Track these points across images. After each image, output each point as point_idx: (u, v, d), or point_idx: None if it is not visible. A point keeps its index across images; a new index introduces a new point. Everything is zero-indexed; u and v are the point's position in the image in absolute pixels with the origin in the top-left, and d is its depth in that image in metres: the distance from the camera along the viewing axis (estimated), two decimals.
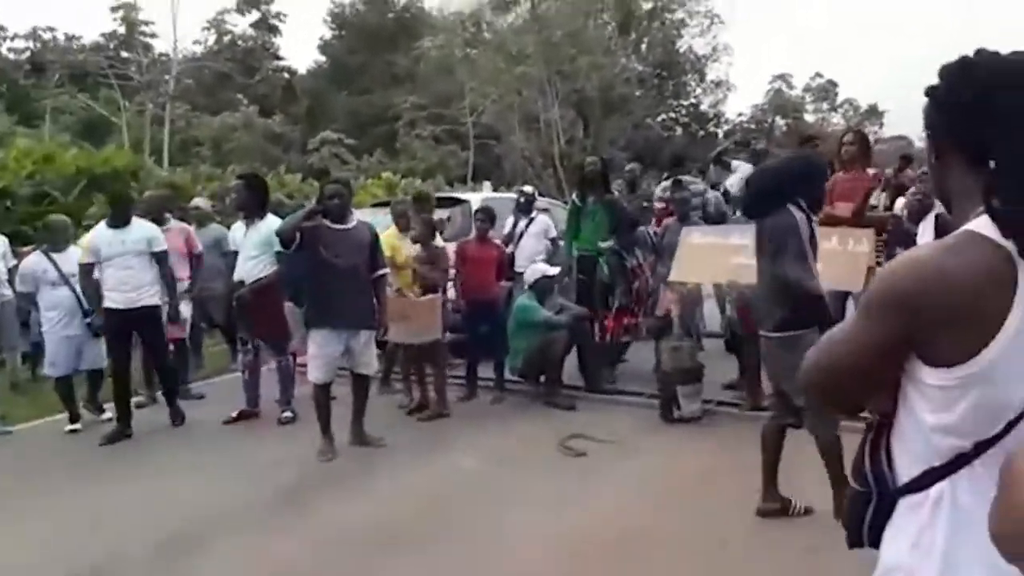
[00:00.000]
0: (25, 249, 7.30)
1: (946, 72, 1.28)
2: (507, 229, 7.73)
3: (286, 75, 37.14)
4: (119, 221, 5.77)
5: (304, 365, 6.16)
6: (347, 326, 5.25)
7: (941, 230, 4.96)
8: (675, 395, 5.65)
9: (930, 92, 1.31)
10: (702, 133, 34.82)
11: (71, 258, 5.94)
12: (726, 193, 8.14)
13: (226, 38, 35.26)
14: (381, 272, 5.54)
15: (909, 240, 5.33)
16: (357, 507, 4.35)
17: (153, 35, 28.47)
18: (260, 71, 33.66)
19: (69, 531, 4.17)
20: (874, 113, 41.26)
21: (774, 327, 3.76)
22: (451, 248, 6.67)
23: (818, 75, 41.59)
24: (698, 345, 6.55)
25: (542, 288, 6.42)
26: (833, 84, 41.60)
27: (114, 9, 25.94)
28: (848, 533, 1.40)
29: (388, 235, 6.48)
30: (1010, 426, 1.16)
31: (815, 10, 66.11)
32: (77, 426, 6.00)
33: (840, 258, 5.23)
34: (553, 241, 7.67)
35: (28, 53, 29.63)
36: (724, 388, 6.25)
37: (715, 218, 6.89)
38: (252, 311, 5.94)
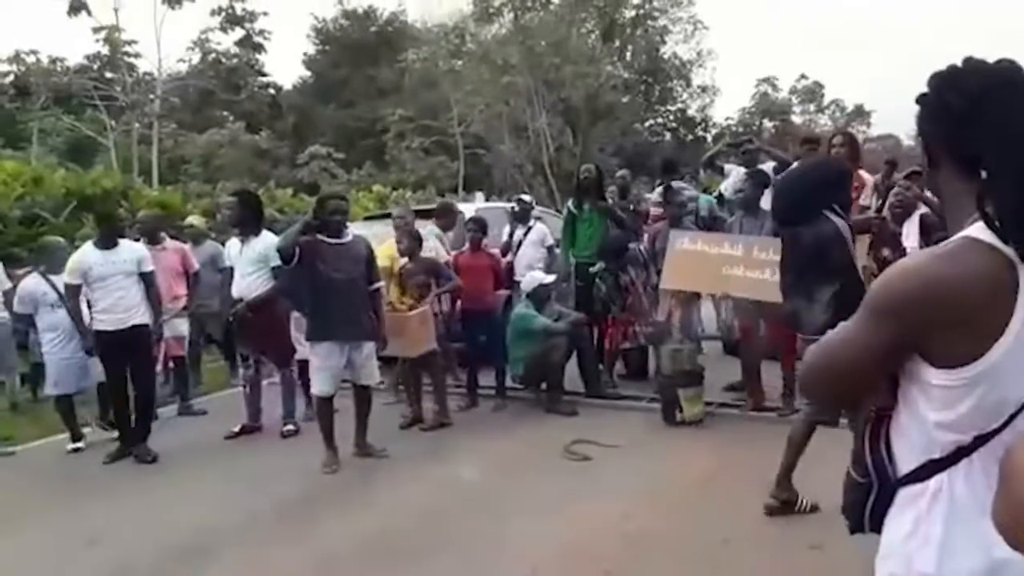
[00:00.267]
0: (19, 272, 7.28)
1: (936, 81, 1.32)
2: (504, 238, 7.76)
3: (271, 91, 37.13)
4: (108, 242, 5.65)
5: (299, 375, 6.19)
6: (349, 338, 5.28)
7: (925, 230, 5.03)
8: (676, 398, 5.68)
9: (921, 100, 1.35)
10: (690, 138, 35.01)
11: None
12: (719, 197, 8.19)
13: (210, 56, 35.23)
14: (377, 285, 5.58)
15: (895, 241, 5.39)
16: (361, 518, 4.36)
17: (137, 55, 28.34)
18: (245, 88, 33.59)
19: (72, 547, 4.17)
20: (861, 113, 41.54)
21: (818, 332, 3.79)
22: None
23: (804, 77, 41.91)
24: (697, 348, 6.59)
25: (539, 296, 6.46)
26: (819, 85, 41.88)
27: (97, 30, 25.84)
28: (849, 520, 1.45)
29: (387, 247, 6.51)
30: (1009, 420, 1.21)
31: (799, 13, 66.67)
32: (80, 445, 5.98)
33: None
34: (550, 249, 7.71)
35: (11, 76, 29.49)
36: (724, 390, 6.29)
37: (708, 222, 6.93)
38: (251, 327, 5.94)
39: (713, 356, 6.93)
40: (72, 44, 53.69)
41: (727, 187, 8.01)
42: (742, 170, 7.91)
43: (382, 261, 6.18)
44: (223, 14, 31.45)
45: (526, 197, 8.77)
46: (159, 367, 6.95)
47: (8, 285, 6.95)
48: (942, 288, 1.20)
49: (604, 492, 4.55)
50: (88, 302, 5.70)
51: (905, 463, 1.33)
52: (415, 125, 30.18)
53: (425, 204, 12.13)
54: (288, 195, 16.92)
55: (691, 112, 36.10)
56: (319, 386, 5.33)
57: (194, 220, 8.04)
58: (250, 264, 5.97)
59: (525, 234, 7.69)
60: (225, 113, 33.03)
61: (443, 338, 6.42)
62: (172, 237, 7.26)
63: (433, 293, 6.15)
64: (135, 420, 5.75)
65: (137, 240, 6.59)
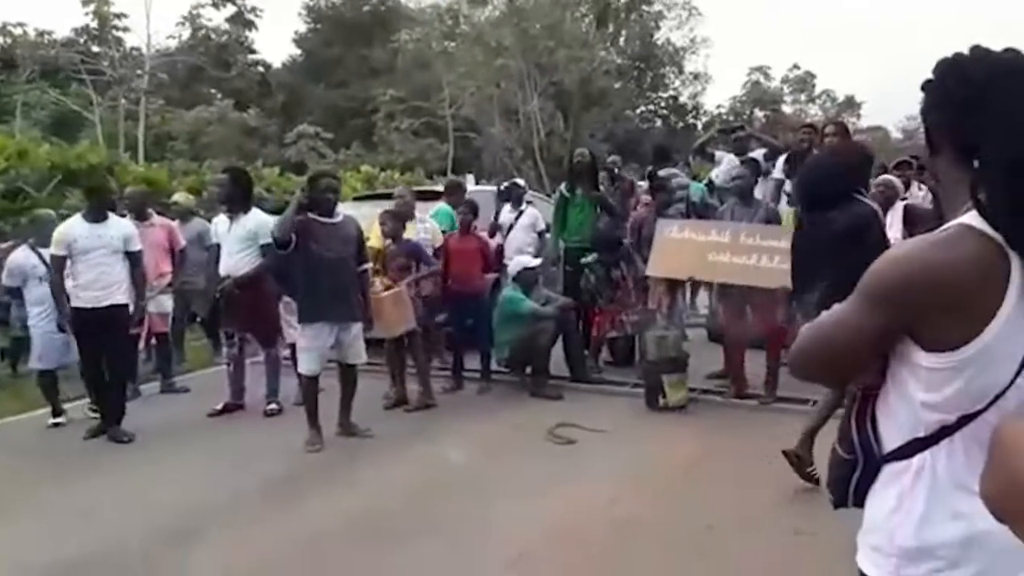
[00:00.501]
0: (2, 246, 7.20)
1: (941, 68, 1.32)
2: (492, 219, 7.74)
3: (261, 69, 36.82)
4: (97, 215, 5.54)
5: (289, 357, 6.17)
6: (339, 319, 5.27)
7: (909, 220, 5.06)
8: (660, 384, 5.70)
9: (925, 87, 1.35)
10: (681, 125, 35.01)
11: None
12: (710, 184, 8.20)
13: (200, 33, 34.88)
14: (366, 266, 5.56)
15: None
16: (345, 498, 4.36)
17: (126, 29, 28.04)
18: (235, 65, 33.32)
19: (55, 525, 4.15)
20: (851, 104, 41.64)
21: None
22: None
23: (796, 67, 41.91)
24: (682, 335, 6.61)
25: (526, 280, 6.45)
26: (811, 75, 41.89)
27: (86, 3, 25.51)
28: (834, 495, 1.49)
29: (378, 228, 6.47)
30: (992, 401, 1.23)
31: (793, 3, 66.57)
32: (60, 420, 5.94)
33: None
34: (541, 234, 7.70)
35: None
36: (708, 377, 6.32)
37: (700, 210, 6.94)
38: (239, 305, 5.90)
39: (697, 343, 6.94)
40: (60, 17, 53.01)
41: (718, 174, 8.03)
42: (732, 157, 7.93)
43: (373, 242, 6.16)
44: None
45: (520, 181, 8.75)
46: (142, 344, 6.93)
47: None
48: (936, 274, 1.22)
49: (589, 476, 4.56)
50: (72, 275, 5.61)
51: (890, 441, 1.36)
52: (405, 106, 30.03)
53: (425, 186, 12.11)
54: (275, 174, 16.79)
55: (683, 99, 36.14)
56: (306, 365, 5.31)
57: (179, 198, 7.96)
58: (239, 242, 5.92)
59: (516, 218, 7.67)
60: (213, 90, 32.75)
61: (428, 320, 6.41)
62: (159, 214, 7.19)
63: (411, 277, 6.12)
64: (110, 401, 5.66)
65: (124, 216, 6.53)
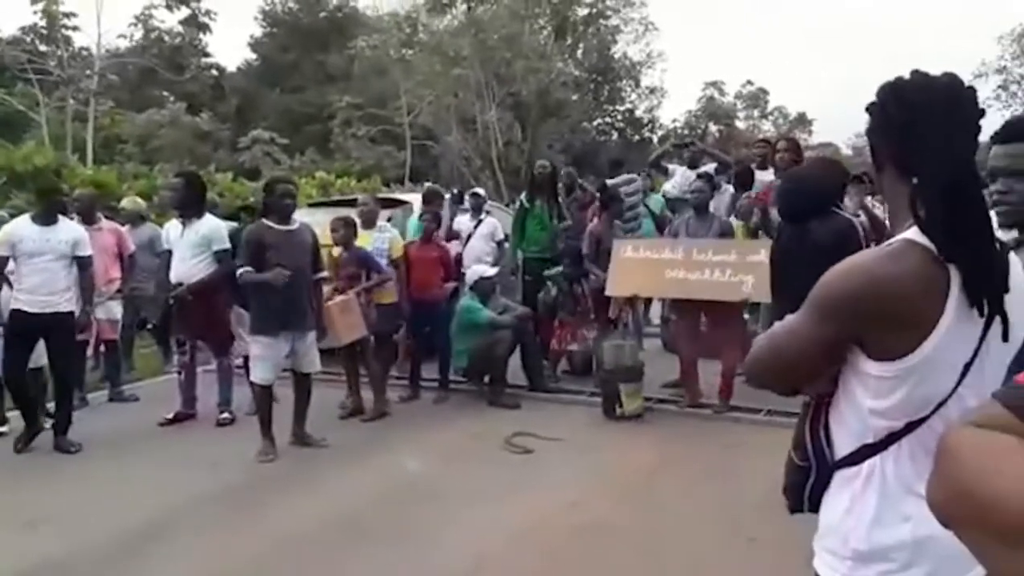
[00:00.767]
0: None
1: (883, 92, 1.40)
2: (445, 223, 7.75)
3: (215, 72, 36.29)
4: (46, 218, 5.35)
5: (242, 366, 6.07)
6: (294, 328, 5.21)
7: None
8: (617, 393, 5.75)
9: (869, 109, 1.43)
10: (637, 138, 35.40)
11: None
12: (664, 197, 8.32)
13: (153, 34, 34.26)
14: (320, 276, 5.51)
15: None
16: (299, 508, 4.30)
17: (75, 28, 27.45)
18: (188, 68, 32.78)
19: (10, 533, 4.01)
20: (803, 121, 42.66)
21: None
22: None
23: (749, 83, 42.79)
24: (638, 344, 6.68)
25: (484, 289, 6.46)
26: (764, 92, 42.80)
27: (34, 1, 24.88)
28: (789, 500, 1.55)
29: None
30: (937, 408, 1.30)
31: (747, 19, 68.00)
32: (3, 429, 5.74)
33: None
34: (500, 244, 7.73)
35: None
36: (663, 387, 6.39)
37: (659, 221, 7.06)
38: (192, 312, 5.80)
39: (653, 353, 7.02)
40: (6, 15, 51.59)
41: (674, 185, 8.15)
42: (685, 170, 8.07)
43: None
44: None
45: (479, 191, 8.81)
46: (90, 351, 6.76)
47: None
48: (884, 286, 1.27)
49: (547, 483, 4.58)
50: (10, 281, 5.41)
51: (842, 447, 1.42)
52: (363, 113, 29.87)
53: (386, 194, 12.05)
54: (228, 179, 16.56)
55: (639, 113, 36.56)
56: (260, 374, 5.22)
57: (127, 203, 7.77)
58: (191, 248, 5.81)
59: (475, 227, 7.69)
60: (165, 93, 32.13)
61: (385, 328, 6.37)
62: (107, 218, 7.02)
63: (361, 286, 6.08)
64: (56, 410, 5.48)
65: (72, 219, 6.37)
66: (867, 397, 1.33)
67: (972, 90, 1.35)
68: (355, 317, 5.87)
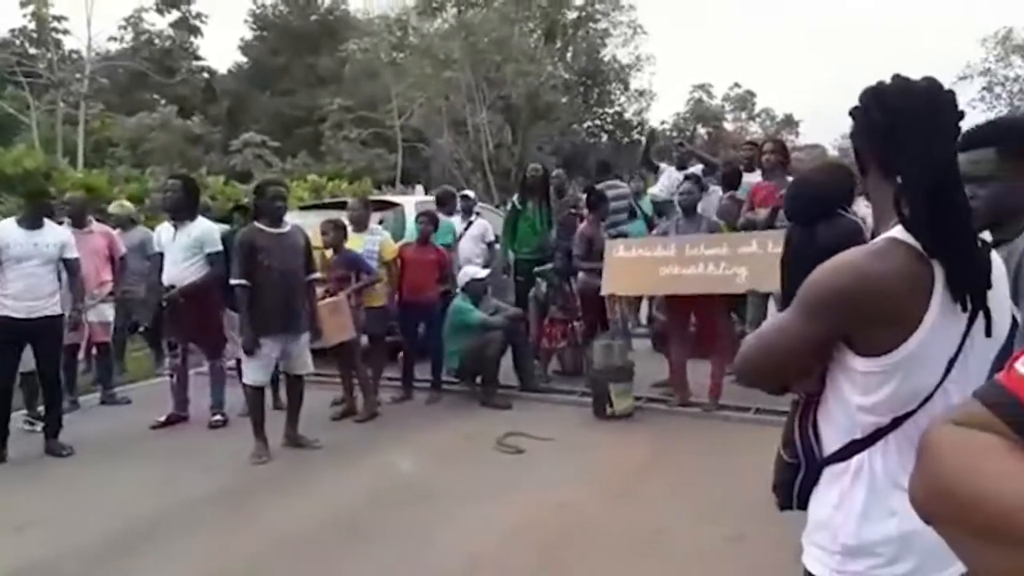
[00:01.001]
0: None
1: (865, 96, 1.44)
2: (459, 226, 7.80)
3: (206, 75, 36.16)
4: (33, 222, 5.29)
5: (234, 368, 6.08)
6: (286, 331, 5.21)
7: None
8: (607, 392, 5.78)
9: (852, 113, 1.47)
10: (627, 140, 35.43)
11: None
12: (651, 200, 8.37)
13: (143, 37, 34.13)
14: (313, 277, 5.51)
15: None
16: (293, 509, 4.31)
17: (66, 32, 27.33)
18: (179, 71, 32.66)
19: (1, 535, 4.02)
20: (790, 123, 42.81)
21: None
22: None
23: (737, 85, 42.94)
24: (628, 344, 6.71)
25: (475, 290, 6.49)
26: (751, 94, 42.95)
27: (24, 4, 24.76)
28: (779, 497, 1.57)
29: None
30: (922, 404, 1.33)
31: (734, 23, 68.24)
32: None
33: (762, 260, 5.47)
34: (490, 245, 7.76)
35: None
36: (653, 386, 6.43)
37: (649, 221, 7.09)
38: (184, 314, 5.80)
39: (642, 352, 7.05)
40: None
41: (662, 189, 8.20)
42: (673, 171, 8.12)
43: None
44: None
45: (469, 193, 8.85)
46: (82, 354, 6.75)
47: None
48: (872, 283, 1.30)
49: (539, 483, 4.60)
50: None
51: (830, 444, 1.45)
52: (354, 116, 29.82)
53: (378, 196, 12.03)
54: (220, 182, 16.54)
55: (628, 115, 36.55)
56: (252, 376, 5.23)
57: (115, 208, 7.73)
58: (184, 250, 5.81)
59: (466, 228, 7.72)
60: (156, 96, 32.00)
61: (375, 330, 6.38)
62: (98, 221, 7.02)
63: (352, 287, 6.09)
64: (46, 414, 5.46)
65: (61, 223, 6.36)
66: (855, 393, 1.36)
67: (951, 93, 1.39)
68: (344, 318, 5.89)
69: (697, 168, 7.88)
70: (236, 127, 31.56)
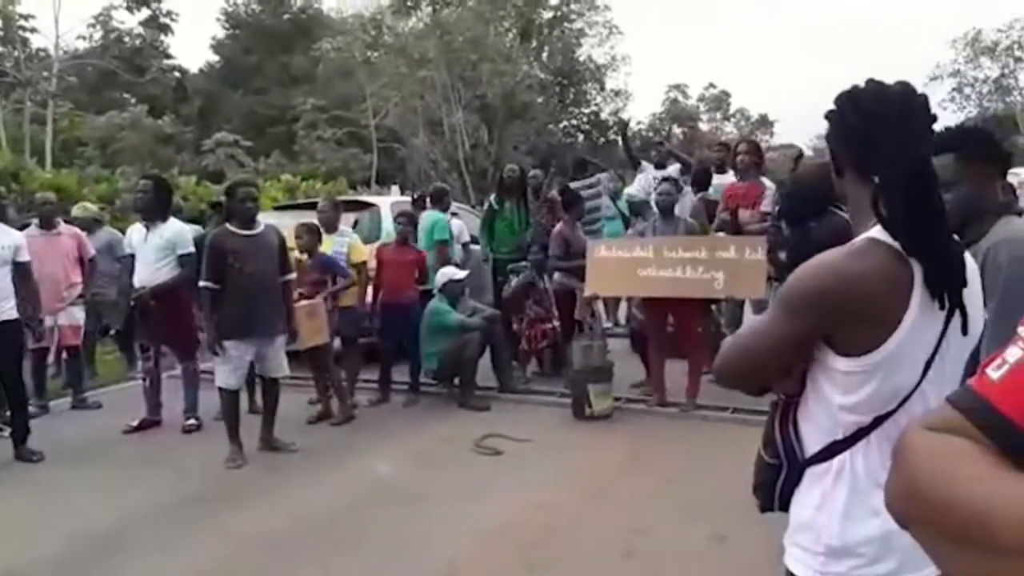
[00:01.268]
0: None
1: (840, 100, 1.45)
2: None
3: (177, 74, 35.72)
4: None
5: (208, 371, 6.00)
6: (261, 335, 5.15)
7: (790, 244, 5.30)
8: (586, 393, 5.78)
9: (827, 116, 1.49)
10: (603, 141, 35.55)
11: None
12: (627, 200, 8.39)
13: (112, 35, 33.62)
14: (288, 277, 5.45)
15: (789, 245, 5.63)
16: (269, 514, 4.26)
17: (33, 30, 26.87)
18: (149, 70, 32.23)
19: None
20: (765, 123, 43.20)
21: None
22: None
23: (712, 85, 43.25)
24: (606, 345, 6.71)
25: (452, 291, 6.45)
26: (726, 94, 43.29)
27: None
28: (759, 499, 1.57)
29: None
30: (902, 403, 1.34)
31: (709, 24, 68.76)
32: None
33: (740, 267, 5.49)
34: (465, 245, 7.74)
35: None
36: (632, 387, 6.44)
37: (625, 221, 7.11)
38: (155, 316, 5.71)
39: (620, 352, 7.06)
40: None
41: (637, 190, 8.22)
42: (654, 171, 8.15)
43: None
44: None
45: None
46: (51, 357, 6.63)
47: None
48: (852, 283, 1.31)
49: (518, 484, 4.59)
50: None
51: (812, 444, 1.45)
52: (328, 115, 29.62)
53: (347, 196, 11.93)
54: (192, 183, 16.32)
55: (604, 115, 36.68)
56: (225, 379, 5.16)
57: (78, 211, 7.58)
58: (156, 252, 5.73)
59: None
60: (126, 95, 31.54)
61: (349, 332, 6.33)
62: (65, 222, 6.88)
63: (328, 290, 6.04)
64: (12, 419, 5.35)
65: (25, 226, 6.24)
66: (836, 393, 1.37)
67: (924, 97, 1.41)
68: (320, 322, 5.84)
69: (675, 168, 7.91)
70: (208, 127, 31.20)
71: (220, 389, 5.23)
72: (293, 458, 5.22)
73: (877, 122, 1.37)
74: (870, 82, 1.43)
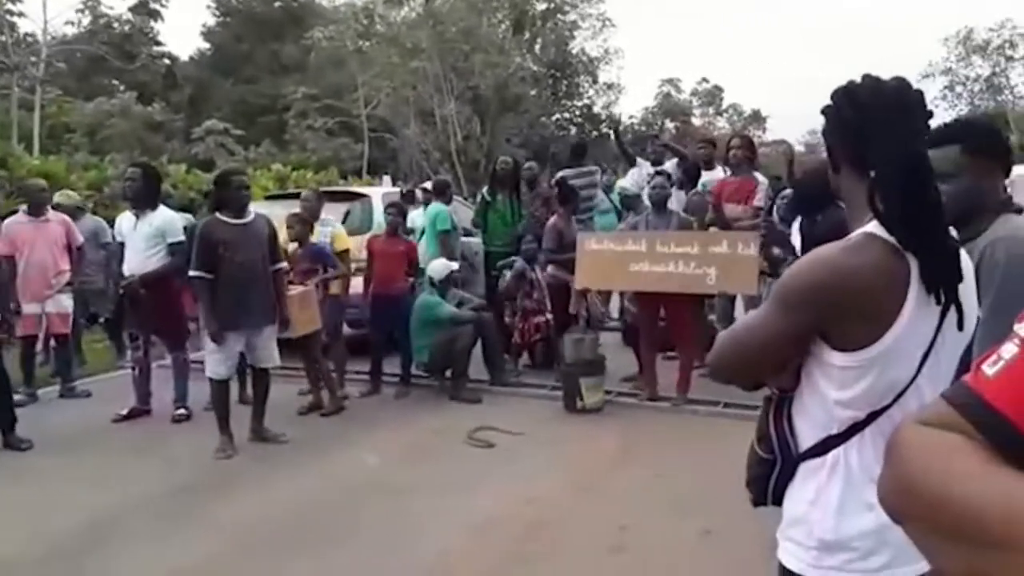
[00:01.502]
0: None
1: (837, 95, 1.45)
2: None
3: (167, 61, 35.44)
4: None
5: (198, 361, 5.97)
6: (251, 326, 5.13)
7: (802, 234, 5.33)
8: (578, 386, 5.78)
9: (824, 111, 1.49)
10: (595, 134, 35.51)
11: None
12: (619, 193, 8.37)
13: (101, 21, 33.31)
14: (279, 266, 5.42)
15: (784, 240, 5.65)
16: (258, 505, 4.25)
17: (20, 14, 26.57)
18: (139, 57, 31.95)
19: None
20: (757, 118, 43.27)
21: None
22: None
23: (704, 80, 43.26)
24: (598, 338, 6.71)
25: (448, 283, 6.46)
26: (719, 89, 43.30)
27: None
28: (753, 493, 1.57)
29: None
30: (897, 398, 1.34)
31: (702, 18, 68.68)
32: None
33: (732, 262, 5.49)
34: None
35: None
36: (623, 380, 6.45)
37: (619, 213, 7.13)
38: (145, 305, 5.67)
39: (612, 346, 7.07)
40: None
41: (630, 184, 8.20)
42: (649, 166, 8.13)
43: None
44: None
45: (428, 185, 8.80)
46: (39, 346, 6.58)
47: None
48: (849, 278, 1.32)
49: (509, 477, 4.59)
50: None
51: (806, 439, 1.45)
52: (319, 105, 29.47)
53: (338, 187, 11.88)
54: (182, 171, 16.20)
55: (596, 109, 36.63)
56: (215, 369, 5.14)
57: (60, 198, 7.49)
58: (145, 240, 5.70)
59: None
60: (115, 82, 31.29)
61: (333, 322, 6.31)
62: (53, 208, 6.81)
63: (319, 277, 6.01)
64: None
65: (11, 213, 6.19)
66: (832, 388, 1.37)
67: (920, 92, 1.41)
68: (312, 309, 5.82)
69: (671, 163, 7.90)
70: (198, 115, 31.01)
71: (210, 379, 5.20)
72: (283, 449, 5.20)
73: (873, 117, 1.37)
74: (866, 77, 1.43)
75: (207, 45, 37.51)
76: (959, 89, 34.02)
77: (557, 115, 35.99)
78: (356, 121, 28.78)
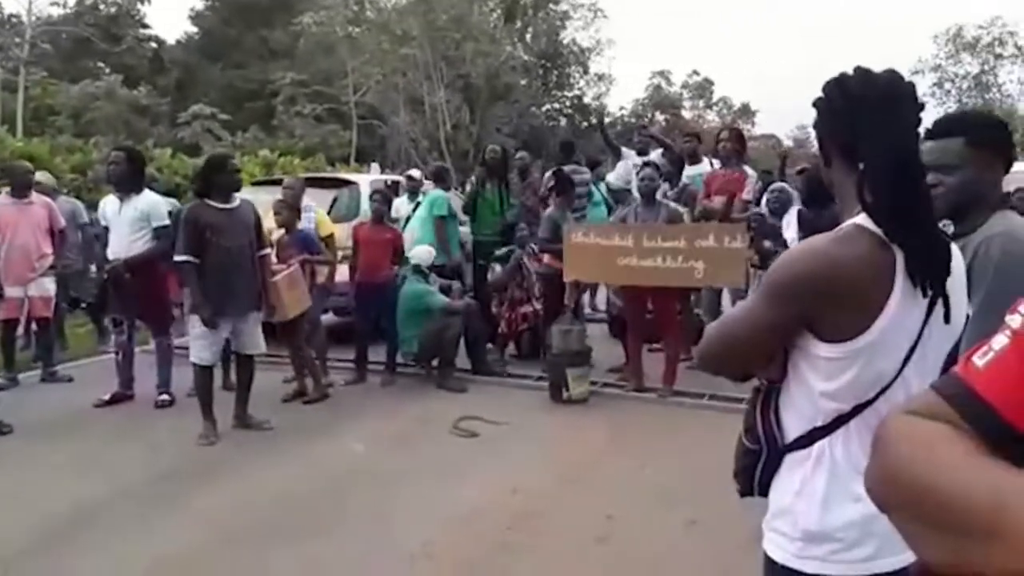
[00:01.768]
0: None
1: (828, 87, 1.45)
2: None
3: (153, 45, 35.09)
4: None
5: (182, 347, 5.92)
6: (237, 311, 5.09)
7: (803, 223, 5.34)
8: (564, 377, 5.78)
9: (816, 103, 1.48)
10: (585, 125, 35.50)
11: None
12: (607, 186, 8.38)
13: (87, 2, 32.94)
14: (264, 252, 5.38)
15: (775, 233, 5.66)
16: (241, 493, 4.22)
17: None
18: (125, 39, 31.62)
19: None
20: (747, 112, 43.38)
21: None
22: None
23: (695, 73, 43.30)
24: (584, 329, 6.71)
25: (425, 270, 6.46)
26: (709, 82, 43.36)
27: None
28: (739, 484, 1.58)
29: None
30: (883, 391, 1.34)
31: (694, 11, 68.68)
32: None
33: (719, 255, 5.48)
34: None
35: None
36: (609, 371, 6.45)
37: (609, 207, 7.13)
38: (130, 289, 5.62)
39: (598, 337, 7.07)
40: None
41: (616, 178, 8.20)
42: (635, 157, 8.13)
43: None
44: None
45: (415, 173, 8.76)
46: (21, 330, 6.51)
47: None
48: (837, 269, 1.32)
49: (492, 467, 4.58)
50: None
51: (792, 431, 1.45)
52: (307, 91, 29.29)
53: (314, 173, 11.80)
54: (167, 155, 16.05)
55: (587, 99, 36.64)
56: (199, 355, 5.09)
57: (41, 177, 7.39)
58: (130, 224, 5.63)
59: (414, 209, 7.63)
60: (101, 64, 30.97)
61: (315, 312, 6.28)
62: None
63: (300, 258, 5.95)
64: None
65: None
66: (818, 380, 1.37)
67: (911, 85, 1.41)
68: (301, 290, 5.79)
69: (657, 154, 7.89)
70: (185, 99, 30.76)
71: (194, 364, 5.16)
72: (267, 436, 5.17)
73: (864, 107, 1.37)
74: (858, 69, 1.43)
75: (195, 29, 37.22)
76: (948, 86, 34.21)
77: (547, 105, 35.96)
78: (345, 108, 28.62)
